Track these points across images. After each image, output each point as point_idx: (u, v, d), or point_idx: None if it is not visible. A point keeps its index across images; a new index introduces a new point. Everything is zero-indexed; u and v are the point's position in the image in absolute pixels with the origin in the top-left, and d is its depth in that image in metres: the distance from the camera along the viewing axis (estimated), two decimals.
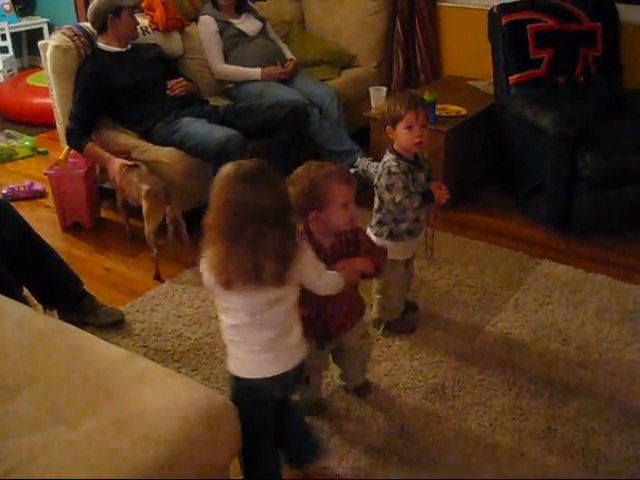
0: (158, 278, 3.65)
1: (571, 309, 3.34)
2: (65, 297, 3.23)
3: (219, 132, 3.81)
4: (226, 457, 2.02)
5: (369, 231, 2.96)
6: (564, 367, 2.98)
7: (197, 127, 3.89)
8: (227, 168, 1.96)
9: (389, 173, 2.83)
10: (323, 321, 2.45)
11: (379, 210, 2.93)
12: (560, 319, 3.27)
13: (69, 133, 3.94)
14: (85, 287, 3.30)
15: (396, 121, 2.80)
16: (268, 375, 2.06)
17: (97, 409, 1.90)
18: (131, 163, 3.74)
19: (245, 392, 2.10)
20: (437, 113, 4.20)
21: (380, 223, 2.95)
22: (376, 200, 2.94)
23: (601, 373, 2.94)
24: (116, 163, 3.75)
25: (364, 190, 3.00)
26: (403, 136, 2.81)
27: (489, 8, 4.39)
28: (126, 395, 1.96)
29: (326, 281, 2.20)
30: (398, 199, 2.80)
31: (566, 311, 3.32)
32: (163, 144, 3.94)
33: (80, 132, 3.92)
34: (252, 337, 2.03)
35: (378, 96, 4.49)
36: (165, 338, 3.19)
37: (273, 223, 1.90)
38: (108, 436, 1.82)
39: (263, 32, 4.76)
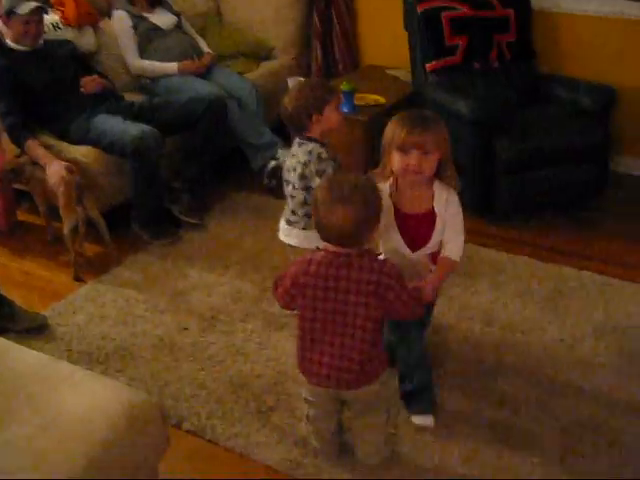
0: (78, 279, 3.59)
1: (494, 291, 3.40)
2: None
3: (134, 129, 3.75)
4: (153, 456, 2.00)
5: (290, 230, 2.95)
6: (489, 347, 3.04)
7: (112, 124, 3.82)
8: None
9: (319, 159, 2.82)
10: None
11: (305, 203, 2.89)
12: (484, 301, 3.33)
13: (9, 128, 3.79)
14: (2, 292, 3.21)
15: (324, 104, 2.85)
16: None
17: (19, 416, 1.87)
18: (73, 168, 3.62)
19: None
20: (356, 103, 4.23)
21: (309, 215, 2.86)
22: (298, 194, 2.89)
23: (524, 352, 3.01)
24: (58, 166, 3.60)
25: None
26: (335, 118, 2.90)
27: None
28: (49, 400, 1.93)
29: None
30: None
31: (489, 293, 3.39)
32: (79, 143, 3.85)
33: (21, 127, 3.78)
34: None
35: None
36: (89, 340, 3.13)
37: None
38: (32, 442, 1.79)
39: (178, 26, 4.70)
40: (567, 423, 2.63)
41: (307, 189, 2.87)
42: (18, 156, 3.78)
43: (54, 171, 3.56)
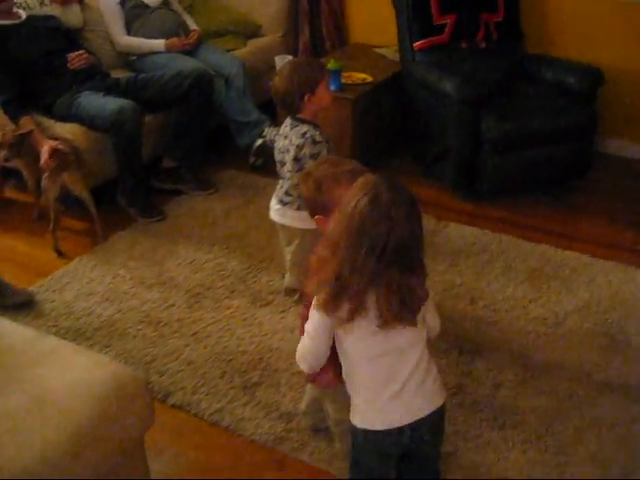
0: (58, 252, 3.61)
1: (478, 269, 3.43)
2: None
3: (113, 103, 3.76)
4: (140, 430, 2.02)
5: (285, 210, 2.95)
6: (472, 325, 3.07)
7: (92, 100, 3.82)
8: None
9: (314, 142, 2.81)
10: None
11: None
12: (468, 279, 3.36)
13: (4, 104, 3.79)
14: None
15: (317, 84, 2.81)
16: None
17: (4, 390, 1.87)
18: (60, 146, 3.60)
19: None
20: (343, 81, 4.22)
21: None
22: (292, 176, 2.86)
23: (507, 329, 3.05)
24: (45, 145, 3.59)
25: (274, 160, 3.00)
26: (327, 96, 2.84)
27: None
28: (35, 374, 1.94)
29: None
30: None
31: (473, 271, 3.42)
32: (64, 120, 3.84)
33: (16, 104, 3.79)
34: None
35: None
36: (76, 316, 3.15)
37: None
38: (17, 417, 1.80)
39: (165, 3, 4.66)
40: (549, 401, 2.67)
41: (300, 169, 2.88)
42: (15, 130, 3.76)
43: (44, 150, 3.57)
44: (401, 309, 1.71)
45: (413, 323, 1.76)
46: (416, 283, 1.74)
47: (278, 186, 2.98)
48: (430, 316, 1.88)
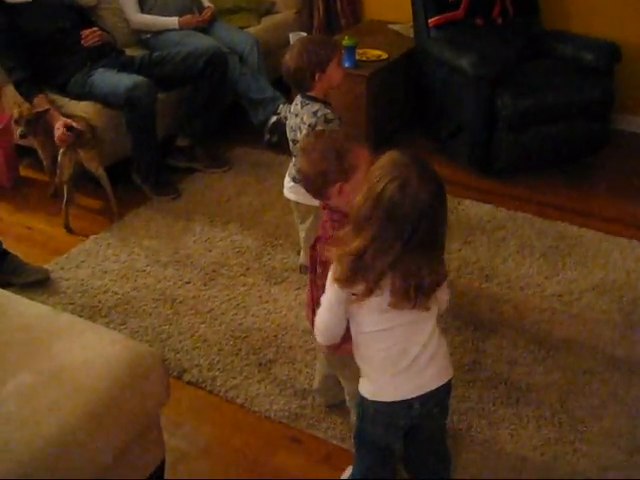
0: (68, 229, 3.64)
1: (493, 247, 3.42)
2: None
3: (127, 79, 3.77)
4: (156, 406, 2.03)
5: (298, 188, 2.94)
6: (487, 303, 3.07)
7: (106, 77, 3.83)
8: None
9: (326, 120, 2.80)
10: None
11: None
12: (483, 257, 3.35)
13: (17, 84, 3.81)
14: (5, 247, 3.23)
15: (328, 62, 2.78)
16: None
17: (22, 366, 1.89)
18: (75, 124, 3.59)
19: None
20: (357, 58, 4.20)
21: None
22: None
23: (523, 307, 3.04)
24: (59, 121, 3.60)
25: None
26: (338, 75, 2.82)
27: None
28: (52, 350, 1.95)
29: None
30: None
31: (488, 249, 3.41)
32: (79, 98, 3.85)
33: (30, 82, 3.79)
34: None
35: None
36: (92, 294, 3.16)
37: None
38: (35, 392, 1.81)
39: None
40: (563, 378, 2.67)
41: None
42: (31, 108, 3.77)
43: (57, 127, 3.58)
44: (416, 293, 1.71)
45: (425, 307, 1.76)
46: (436, 268, 1.73)
47: (291, 164, 2.98)
48: (441, 292, 1.88)
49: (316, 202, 2.83)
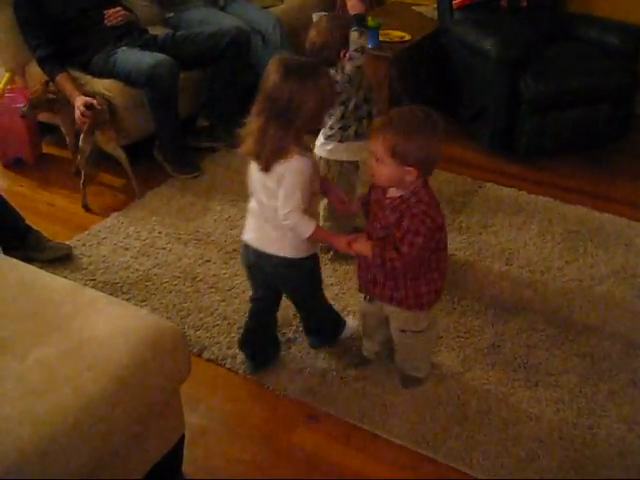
0: (86, 207, 3.67)
1: (514, 230, 3.41)
2: (8, 234, 3.19)
3: (150, 57, 3.77)
4: (176, 381, 2.05)
5: (327, 143, 3.00)
6: (507, 286, 3.06)
7: (129, 55, 3.83)
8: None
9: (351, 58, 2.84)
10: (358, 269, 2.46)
11: (342, 117, 2.93)
12: (503, 240, 3.34)
13: (41, 60, 3.82)
14: (28, 223, 3.26)
15: None
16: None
17: (44, 339, 1.91)
18: (94, 101, 3.62)
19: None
20: (381, 39, 4.18)
21: (344, 128, 2.96)
22: (336, 111, 2.91)
23: (542, 291, 3.04)
24: (78, 100, 3.64)
25: None
26: None
27: None
28: (74, 324, 1.96)
29: (288, 215, 2.24)
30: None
31: (509, 232, 3.40)
32: (101, 76, 3.85)
33: (53, 60, 3.81)
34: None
35: None
36: (113, 271, 3.19)
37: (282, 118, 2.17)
38: (57, 365, 1.83)
39: None
40: (582, 362, 2.67)
41: (342, 103, 2.90)
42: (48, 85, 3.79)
43: (77, 105, 3.61)
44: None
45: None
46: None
47: (322, 128, 3.00)
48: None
49: (341, 157, 2.97)
